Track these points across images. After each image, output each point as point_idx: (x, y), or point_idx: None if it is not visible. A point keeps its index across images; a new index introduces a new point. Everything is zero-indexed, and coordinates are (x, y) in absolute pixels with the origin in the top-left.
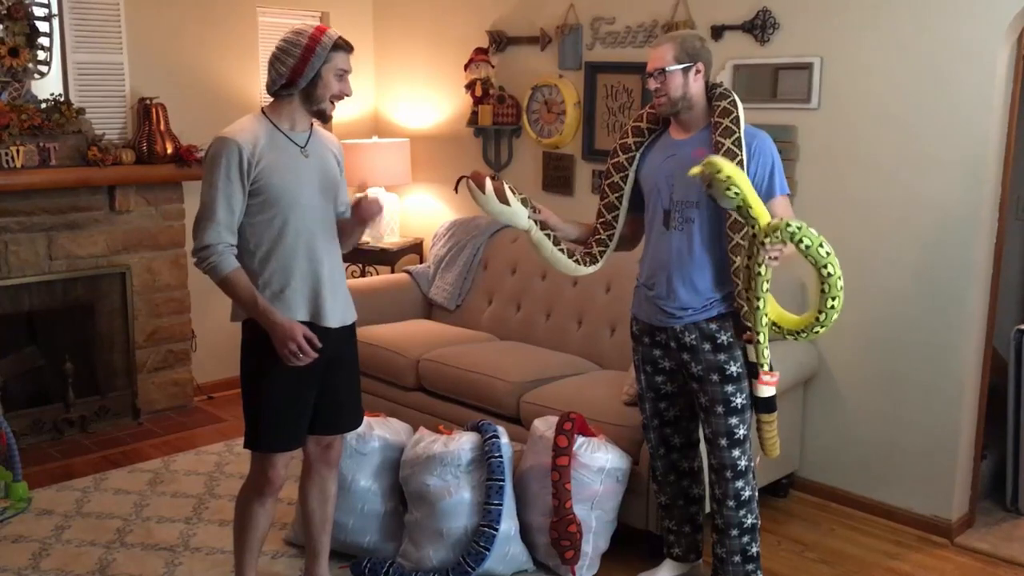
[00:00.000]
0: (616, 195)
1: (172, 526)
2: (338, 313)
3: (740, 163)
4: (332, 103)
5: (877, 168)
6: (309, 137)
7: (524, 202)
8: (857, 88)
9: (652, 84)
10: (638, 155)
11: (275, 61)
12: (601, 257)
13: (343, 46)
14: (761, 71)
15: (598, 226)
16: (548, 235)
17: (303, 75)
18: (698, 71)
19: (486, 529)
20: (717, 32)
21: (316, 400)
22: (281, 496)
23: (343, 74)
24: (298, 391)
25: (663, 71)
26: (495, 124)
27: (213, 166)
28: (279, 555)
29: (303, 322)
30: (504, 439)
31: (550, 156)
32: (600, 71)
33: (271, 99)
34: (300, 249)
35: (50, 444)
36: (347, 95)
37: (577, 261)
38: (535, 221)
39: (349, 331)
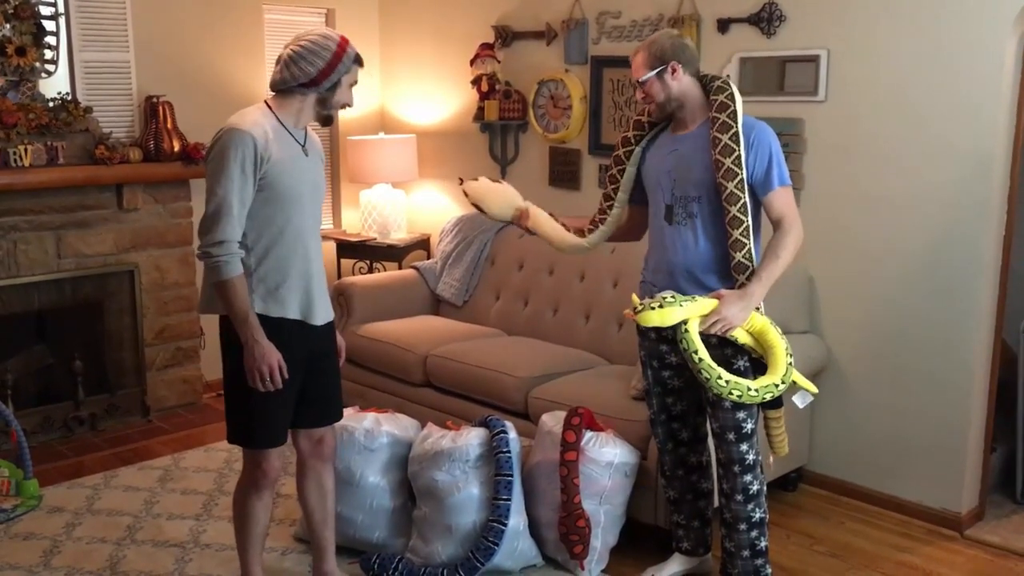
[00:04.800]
0: (613, 187)
1: (182, 523)
2: (324, 311)
3: (738, 158)
4: (337, 110)
5: (884, 160)
6: (306, 136)
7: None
8: (864, 80)
9: (638, 95)
10: (638, 149)
11: (299, 59)
12: (589, 235)
13: (360, 60)
14: (768, 64)
15: (595, 215)
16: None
17: (328, 78)
18: (673, 70)
19: (495, 524)
20: (723, 25)
21: (305, 394)
22: (289, 492)
23: (353, 86)
24: (286, 387)
25: (640, 82)
26: (501, 119)
27: (226, 158)
28: (288, 551)
29: (295, 320)
30: (512, 434)
31: (557, 151)
32: (606, 65)
33: (273, 94)
34: (298, 248)
35: (60, 442)
36: (350, 105)
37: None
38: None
39: (330, 327)
